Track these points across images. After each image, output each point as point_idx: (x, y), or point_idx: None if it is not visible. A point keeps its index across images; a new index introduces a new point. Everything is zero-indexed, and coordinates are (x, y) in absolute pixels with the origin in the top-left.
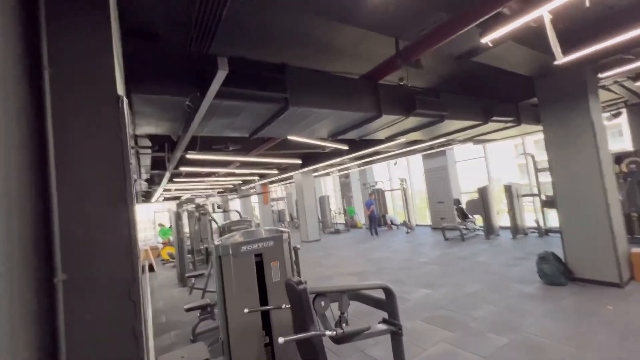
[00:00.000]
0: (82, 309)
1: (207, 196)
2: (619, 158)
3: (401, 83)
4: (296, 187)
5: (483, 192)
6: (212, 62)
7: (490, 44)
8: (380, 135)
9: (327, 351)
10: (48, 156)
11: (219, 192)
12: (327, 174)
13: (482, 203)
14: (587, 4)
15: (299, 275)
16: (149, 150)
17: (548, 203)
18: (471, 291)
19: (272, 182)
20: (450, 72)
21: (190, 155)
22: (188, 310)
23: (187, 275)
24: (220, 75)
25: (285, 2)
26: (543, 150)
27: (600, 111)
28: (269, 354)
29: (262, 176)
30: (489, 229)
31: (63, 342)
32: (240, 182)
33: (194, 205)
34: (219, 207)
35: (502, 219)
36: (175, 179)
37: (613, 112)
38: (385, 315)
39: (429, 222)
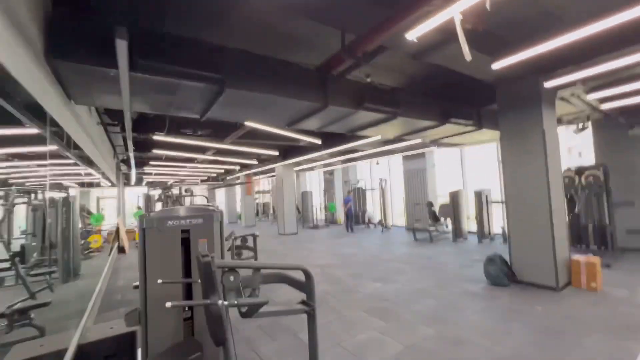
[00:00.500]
0: None
1: (181, 182)
2: (579, 171)
3: (368, 79)
4: (276, 180)
5: (454, 196)
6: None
7: (415, 40)
8: (334, 128)
9: (264, 335)
10: None
11: (202, 180)
12: (311, 169)
13: (452, 207)
14: (488, 7)
15: (255, 260)
16: (117, 129)
17: None
18: (420, 287)
19: (256, 174)
20: (418, 73)
21: (158, 137)
22: (135, 287)
23: None
24: (120, 44)
25: None
26: None
27: (554, 121)
28: (188, 328)
29: (244, 166)
30: (457, 233)
31: None
32: (223, 171)
33: (161, 189)
34: (186, 191)
35: (472, 224)
36: (152, 163)
37: (580, 127)
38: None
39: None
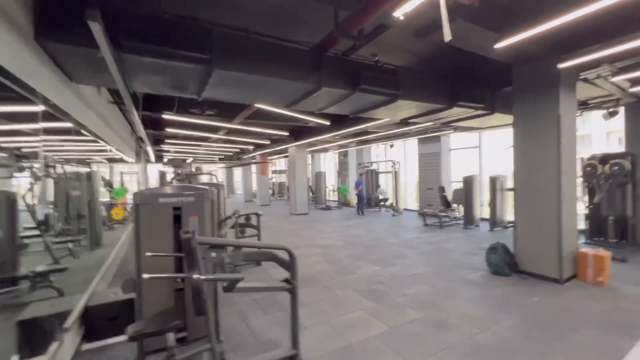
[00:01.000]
0: None
1: (198, 160)
2: (604, 159)
3: (375, 59)
4: (289, 161)
5: (467, 181)
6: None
7: (402, 18)
8: (335, 109)
9: (258, 309)
10: None
11: (220, 159)
12: (325, 151)
13: (464, 193)
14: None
15: (259, 239)
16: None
17: None
18: (418, 272)
19: (271, 154)
20: (427, 53)
21: (167, 116)
22: None
23: None
24: (93, 26)
25: None
26: None
27: (572, 106)
28: (180, 297)
29: (258, 146)
30: (469, 219)
31: None
32: (238, 150)
33: (173, 167)
34: (196, 169)
35: (485, 211)
36: (168, 141)
37: (610, 111)
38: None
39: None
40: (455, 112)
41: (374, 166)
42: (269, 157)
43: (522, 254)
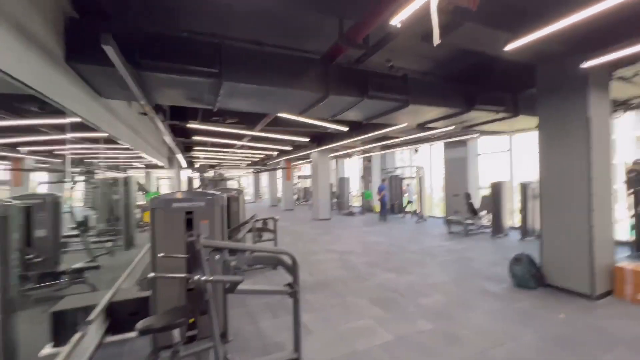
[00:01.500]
0: None
1: (225, 166)
2: None
3: (389, 65)
4: (311, 166)
5: (496, 188)
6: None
7: (399, 25)
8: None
9: (268, 312)
10: None
11: (247, 165)
12: (349, 156)
13: (492, 199)
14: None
15: (275, 243)
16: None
17: None
18: (434, 281)
19: (296, 160)
20: (442, 56)
21: (192, 125)
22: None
23: None
24: (108, 50)
25: None
26: None
27: (605, 107)
28: (191, 298)
29: (282, 152)
30: (497, 228)
31: None
32: (263, 156)
33: (199, 173)
34: (219, 175)
35: (516, 219)
36: (197, 148)
37: None
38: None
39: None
40: (474, 115)
41: (398, 171)
42: (294, 163)
43: (549, 266)
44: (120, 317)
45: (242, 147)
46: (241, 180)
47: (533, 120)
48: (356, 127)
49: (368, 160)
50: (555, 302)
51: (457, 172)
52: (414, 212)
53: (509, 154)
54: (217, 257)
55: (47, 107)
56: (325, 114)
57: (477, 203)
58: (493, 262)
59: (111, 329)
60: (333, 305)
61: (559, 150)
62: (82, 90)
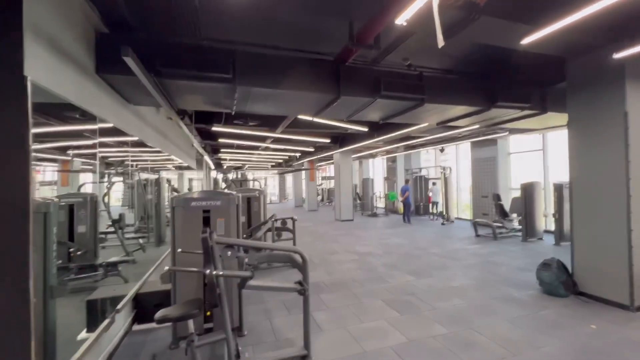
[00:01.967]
0: None
1: (243, 167)
2: None
3: (407, 64)
4: (334, 167)
5: (527, 189)
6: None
7: (404, 24)
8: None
9: (283, 309)
10: None
11: (272, 166)
12: (373, 156)
13: (524, 201)
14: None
15: (294, 243)
16: (186, 122)
17: None
18: (455, 285)
19: (320, 161)
20: (462, 53)
21: (216, 128)
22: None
23: None
24: (128, 60)
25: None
26: None
27: None
28: (206, 291)
29: (305, 154)
30: (529, 231)
31: None
32: (287, 157)
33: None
34: (241, 175)
35: (550, 222)
36: (223, 150)
37: None
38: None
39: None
40: (498, 113)
41: (423, 172)
42: (318, 164)
43: (581, 272)
44: (146, 308)
45: (266, 149)
46: (266, 181)
47: (564, 117)
48: (377, 128)
49: (392, 160)
50: (586, 312)
51: (486, 172)
52: (440, 214)
53: (542, 153)
54: (229, 253)
55: (87, 114)
56: (340, 115)
57: (507, 205)
58: (521, 268)
59: (138, 319)
60: (348, 305)
61: (592, 148)
62: (112, 98)
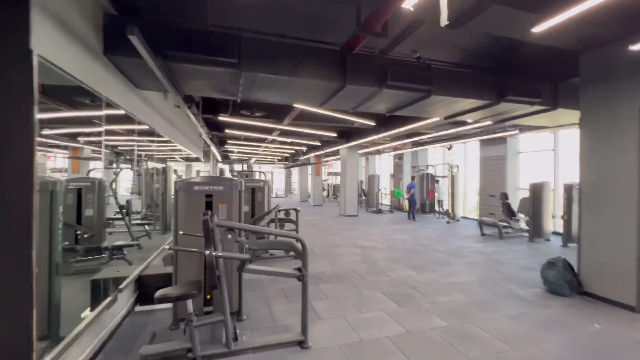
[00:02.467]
0: None
1: (250, 160)
2: None
3: (416, 56)
4: (340, 162)
5: (536, 189)
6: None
7: (411, 9)
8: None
9: (282, 297)
10: None
11: (278, 160)
12: (379, 153)
13: (532, 201)
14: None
15: (297, 232)
16: (195, 112)
17: None
18: (457, 281)
19: (325, 156)
20: (473, 45)
21: (223, 118)
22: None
23: None
24: (133, 39)
25: None
26: None
27: None
28: (207, 274)
29: (311, 148)
30: (536, 232)
31: None
32: (293, 152)
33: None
34: (247, 167)
35: (558, 223)
36: (230, 141)
37: None
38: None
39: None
40: (508, 107)
41: (430, 170)
42: (324, 159)
43: (587, 272)
44: (148, 289)
45: (272, 141)
46: (273, 175)
47: (576, 115)
48: (384, 123)
49: (399, 157)
50: (591, 312)
51: (494, 171)
52: (445, 213)
53: (553, 154)
54: (230, 236)
55: (95, 99)
56: (346, 105)
57: (515, 205)
58: (527, 267)
59: (140, 300)
60: (347, 296)
61: (604, 145)
62: (119, 81)
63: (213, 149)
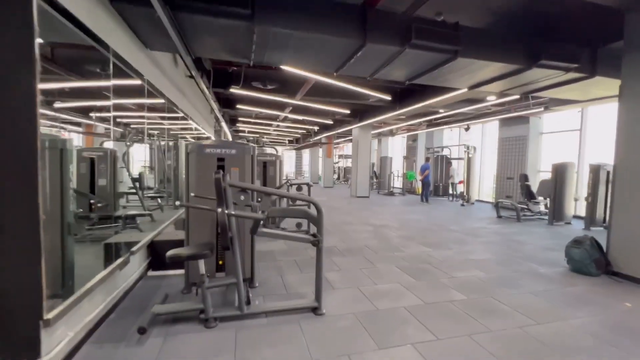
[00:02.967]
0: None
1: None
2: None
3: (439, 19)
4: (352, 143)
5: (559, 170)
6: None
7: None
8: (386, 74)
9: (295, 267)
10: None
11: (289, 141)
12: (392, 134)
13: (554, 182)
14: None
15: (308, 207)
16: (207, 84)
17: None
18: (475, 258)
19: (337, 137)
20: (506, 7)
21: (234, 90)
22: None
23: None
24: None
25: None
26: None
27: None
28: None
29: (323, 128)
30: (557, 214)
31: None
32: (305, 132)
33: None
34: (258, 142)
35: (581, 206)
36: (241, 119)
37: None
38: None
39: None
40: (539, 75)
41: (445, 151)
42: (335, 141)
43: (617, 251)
44: (160, 255)
45: (284, 119)
46: (283, 155)
47: (613, 85)
48: (400, 98)
49: (413, 139)
50: (621, 291)
51: (514, 152)
52: (460, 195)
53: (578, 134)
54: (242, 198)
55: (107, 68)
56: (363, 71)
57: (534, 187)
58: (547, 247)
59: (152, 266)
60: (362, 268)
61: None
62: (128, 37)
63: (224, 126)
